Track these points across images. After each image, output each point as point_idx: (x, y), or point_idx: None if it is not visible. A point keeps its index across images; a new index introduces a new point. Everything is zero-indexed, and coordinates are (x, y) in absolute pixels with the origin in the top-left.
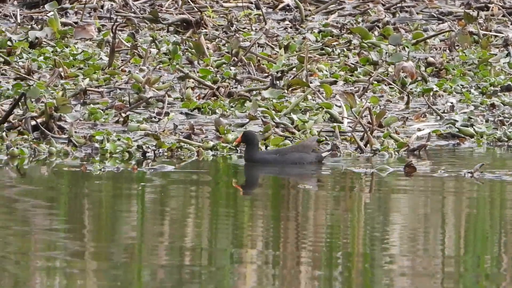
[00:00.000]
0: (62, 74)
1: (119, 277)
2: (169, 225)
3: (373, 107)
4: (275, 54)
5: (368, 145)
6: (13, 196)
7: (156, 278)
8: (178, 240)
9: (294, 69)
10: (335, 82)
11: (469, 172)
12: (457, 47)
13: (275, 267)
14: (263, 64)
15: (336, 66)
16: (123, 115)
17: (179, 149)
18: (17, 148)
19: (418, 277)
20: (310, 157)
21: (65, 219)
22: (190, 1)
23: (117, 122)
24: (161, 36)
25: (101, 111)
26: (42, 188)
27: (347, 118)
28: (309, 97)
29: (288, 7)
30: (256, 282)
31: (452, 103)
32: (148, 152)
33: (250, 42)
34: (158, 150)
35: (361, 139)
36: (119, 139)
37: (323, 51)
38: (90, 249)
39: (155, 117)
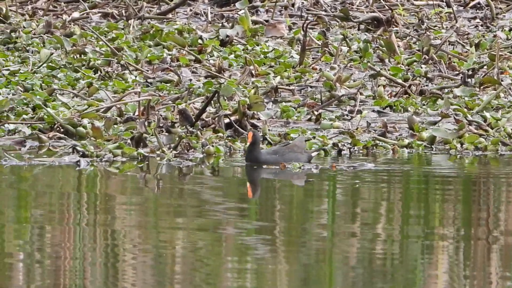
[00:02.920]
0: (253, 72)
1: (310, 275)
2: (360, 223)
3: None
4: (466, 52)
5: None
6: (207, 195)
7: (347, 276)
8: (369, 239)
9: (485, 67)
10: None
11: None
12: None
13: (466, 262)
14: (453, 62)
15: None
16: (316, 113)
17: (374, 147)
18: (212, 146)
19: None
20: (303, 157)
21: (258, 216)
22: None
23: (309, 120)
24: (352, 34)
25: (293, 109)
26: (238, 186)
27: None
28: (501, 94)
29: (479, 5)
30: (447, 278)
31: None
32: (344, 150)
33: (441, 40)
34: (353, 148)
35: None
36: (314, 137)
37: None
38: (281, 249)
39: (347, 115)
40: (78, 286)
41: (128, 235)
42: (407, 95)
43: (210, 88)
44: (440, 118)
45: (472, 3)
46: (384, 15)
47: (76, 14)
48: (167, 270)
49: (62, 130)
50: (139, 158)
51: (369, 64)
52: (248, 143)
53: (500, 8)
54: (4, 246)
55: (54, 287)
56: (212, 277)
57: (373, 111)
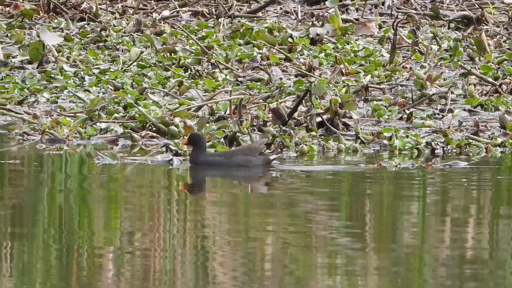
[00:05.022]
0: (343, 70)
1: (400, 274)
2: (451, 223)
3: None
4: None
5: None
6: (298, 192)
7: (437, 276)
8: (458, 239)
9: None
10: None
11: None
12: None
13: None
14: None
15: None
16: (407, 111)
17: (467, 146)
18: (306, 145)
19: None
20: (257, 160)
21: (347, 214)
22: None
23: (400, 118)
24: (442, 33)
25: (385, 108)
26: (330, 184)
27: None
28: None
29: None
30: None
31: None
32: (437, 149)
33: None
34: (447, 147)
35: None
36: (407, 136)
37: None
38: (371, 246)
39: (438, 114)
40: (168, 285)
41: (218, 233)
42: (498, 94)
43: (300, 87)
44: None
45: None
46: (474, 14)
47: (166, 13)
48: (257, 268)
49: (154, 129)
50: None
51: (459, 62)
52: (182, 145)
53: None
54: (94, 245)
55: (143, 283)
56: (304, 274)
57: (464, 110)
